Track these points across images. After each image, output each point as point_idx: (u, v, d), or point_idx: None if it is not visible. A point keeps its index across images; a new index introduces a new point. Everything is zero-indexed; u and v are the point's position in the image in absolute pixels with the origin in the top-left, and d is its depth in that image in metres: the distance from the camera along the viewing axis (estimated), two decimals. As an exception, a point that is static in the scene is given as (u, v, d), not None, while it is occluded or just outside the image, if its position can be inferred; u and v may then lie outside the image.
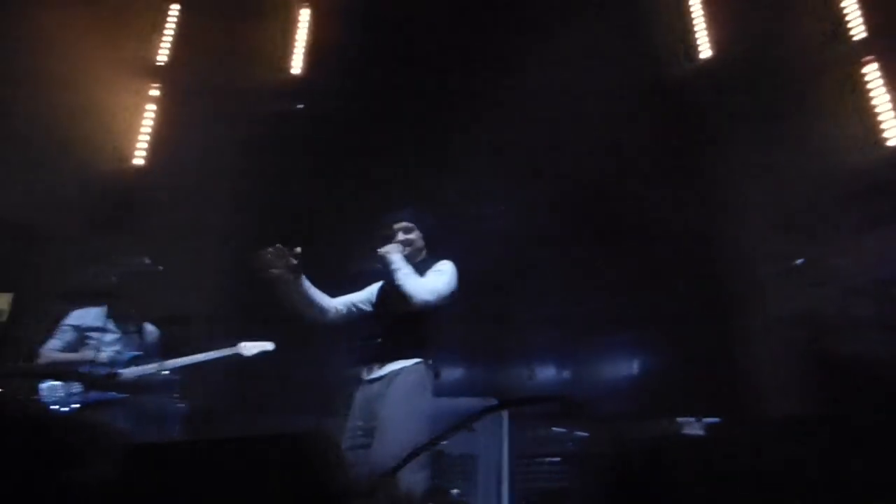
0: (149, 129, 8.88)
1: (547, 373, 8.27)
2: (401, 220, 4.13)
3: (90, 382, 4.33)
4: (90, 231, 8.31)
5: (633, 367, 8.08)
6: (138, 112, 8.88)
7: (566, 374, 8.20)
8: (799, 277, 4.84)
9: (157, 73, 9.08)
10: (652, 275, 7.85)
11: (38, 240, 8.58)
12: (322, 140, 8.48)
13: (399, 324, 3.81)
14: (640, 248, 7.94)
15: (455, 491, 5.68)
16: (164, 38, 9.18)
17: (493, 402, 6.13)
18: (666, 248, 7.93)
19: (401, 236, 4.06)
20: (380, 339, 3.81)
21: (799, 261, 4.73)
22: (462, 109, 9.03)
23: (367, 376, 3.78)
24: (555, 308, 8.24)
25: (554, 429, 6.06)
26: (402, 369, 3.70)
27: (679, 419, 5.66)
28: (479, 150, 8.70)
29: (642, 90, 8.18)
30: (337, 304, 4.07)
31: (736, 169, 8.09)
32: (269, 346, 5.06)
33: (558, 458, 5.82)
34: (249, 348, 5.01)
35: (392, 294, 3.86)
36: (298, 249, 3.71)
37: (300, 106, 9.33)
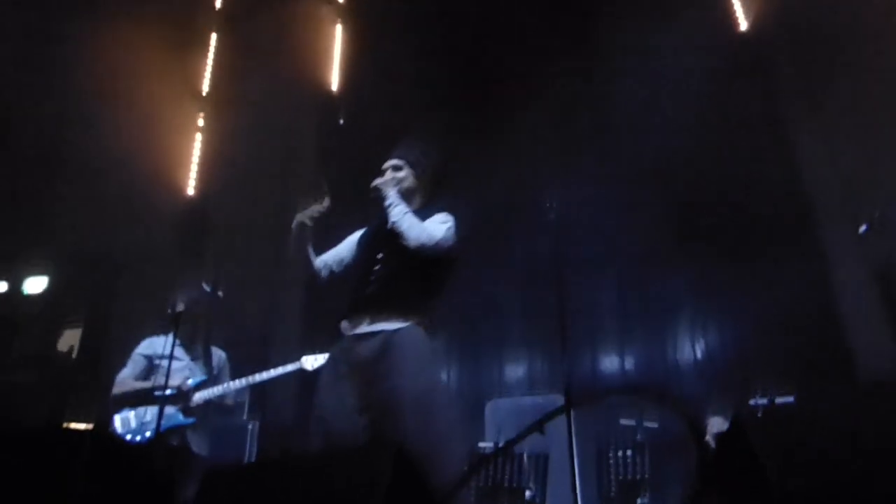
0: (198, 157, 9.08)
1: (611, 363, 8.20)
2: (392, 158, 3.67)
3: (162, 409, 4.41)
4: (153, 261, 8.56)
5: (700, 350, 7.94)
6: (189, 140, 9.11)
7: (631, 363, 8.13)
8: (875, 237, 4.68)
9: (203, 101, 9.29)
10: (718, 253, 7.74)
11: (105, 271, 8.89)
12: (364, 153, 8.56)
13: (393, 273, 3.35)
14: (705, 226, 7.83)
15: (528, 492, 5.65)
16: (207, 67, 9.38)
17: (560, 399, 6.10)
18: (729, 221, 7.82)
19: (388, 175, 3.58)
20: (369, 289, 3.33)
21: (863, 227, 4.57)
22: (512, 101, 9.11)
23: (352, 331, 3.26)
24: (618, 294, 8.20)
25: (623, 421, 5.99)
26: (399, 330, 3.17)
27: (752, 401, 5.55)
28: (534, 142, 8.77)
29: (714, 56, 8.07)
30: (325, 261, 3.65)
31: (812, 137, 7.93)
32: (329, 357, 5.08)
33: (630, 450, 5.74)
34: (312, 362, 5.03)
35: (385, 236, 3.41)
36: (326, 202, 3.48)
37: (341, 122, 9.43)
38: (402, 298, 3.28)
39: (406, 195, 3.53)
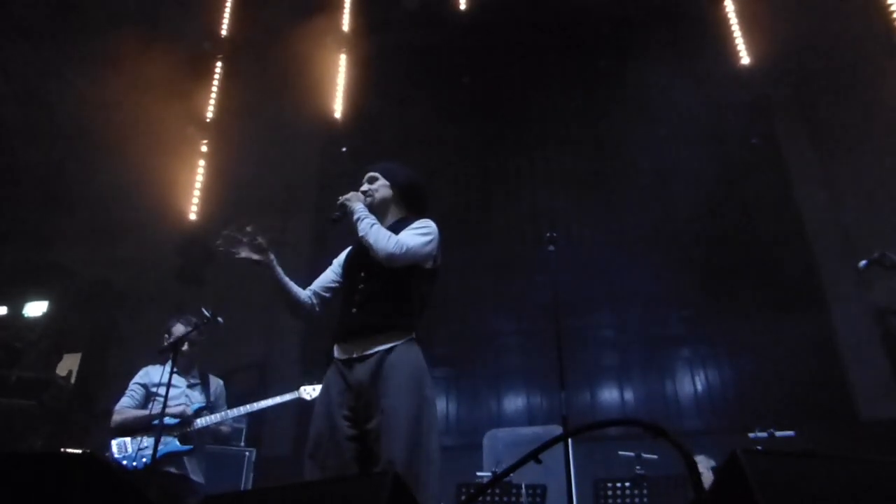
0: (200, 183, 9.12)
1: (610, 395, 8.18)
2: (368, 173, 3.60)
3: (159, 436, 4.39)
4: (154, 287, 8.57)
5: (700, 383, 7.92)
6: (192, 167, 9.14)
7: (630, 395, 8.10)
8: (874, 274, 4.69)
9: (207, 128, 9.35)
10: (716, 286, 7.77)
11: (105, 296, 8.89)
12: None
13: (375, 291, 3.25)
14: (701, 259, 7.87)
15: (527, 522, 5.60)
16: (212, 94, 9.45)
17: (558, 429, 6.07)
18: (728, 258, 7.87)
19: (364, 187, 3.53)
20: (355, 310, 3.23)
21: (862, 262, 4.58)
22: (516, 137, 9.19)
23: (344, 355, 3.18)
24: (617, 329, 8.21)
25: (621, 453, 5.95)
26: (394, 348, 3.09)
27: (752, 435, 5.53)
28: (538, 178, 8.85)
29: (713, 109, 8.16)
30: (310, 293, 3.51)
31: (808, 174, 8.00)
32: (329, 388, 5.06)
33: (628, 483, 5.70)
34: (310, 391, 5.01)
35: (365, 254, 3.30)
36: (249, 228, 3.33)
37: (343, 149, 9.50)
38: (389, 316, 3.19)
39: (380, 206, 3.47)
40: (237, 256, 3.31)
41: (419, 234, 3.29)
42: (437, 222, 3.40)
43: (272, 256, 3.36)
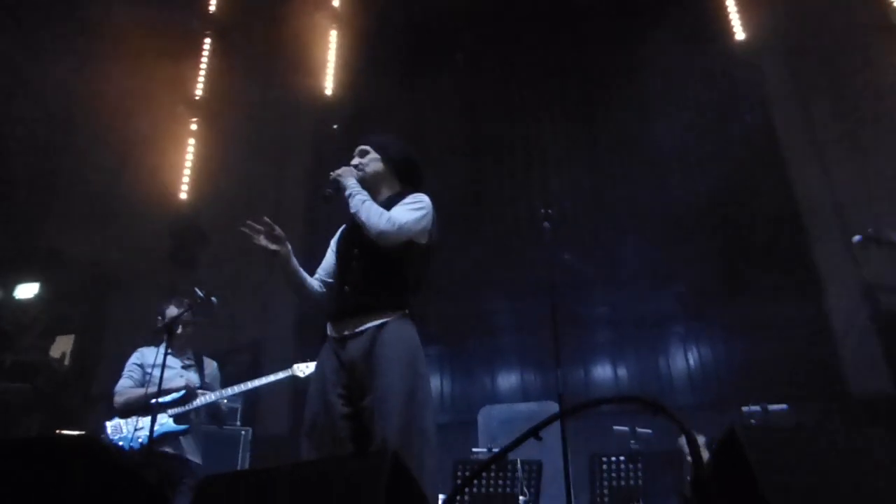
0: (191, 163, 9.06)
1: (604, 372, 8.22)
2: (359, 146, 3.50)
3: (155, 416, 4.39)
4: (145, 268, 8.53)
5: (693, 360, 7.97)
6: (182, 147, 9.08)
7: (623, 371, 8.14)
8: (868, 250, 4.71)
9: (196, 107, 9.27)
10: (710, 264, 7.79)
11: (97, 278, 8.85)
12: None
13: (369, 268, 3.20)
14: (700, 240, 7.88)
15: (522, 498, 5.64)
16: (201, 73, 9.36)
17: (553, 405, 6.11)
18: (722, 235, 7.88)
19: (354, 160, 3.43)
20: (347, 288, 3.21)
21: (856, 238, 4.60)
22: (510, 114, 9.16)
23: (337, 333, 3.15)
24: (610, 306, 8.23)
25: (616, 427, 5.99)
26: (386, 324, 3.06)
27: (745, 408, 5.57)
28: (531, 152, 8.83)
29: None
30: (319, 277, 3.46)
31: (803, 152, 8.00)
32: (321, 365, 5.06)
33: (623, 457, 5.74)
34: (303, 369, 4.99)
35: (358, 230, 3.21)
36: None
37: (335, 126, 9.45)
38: (382, 294, 3.14)
39: (373, 180, 3.38)
40: (255, 244, 3.26)
41: (412, 210, 3.21)
42: (431, 198, 3.33)
43: (289, 247, 3.31)
